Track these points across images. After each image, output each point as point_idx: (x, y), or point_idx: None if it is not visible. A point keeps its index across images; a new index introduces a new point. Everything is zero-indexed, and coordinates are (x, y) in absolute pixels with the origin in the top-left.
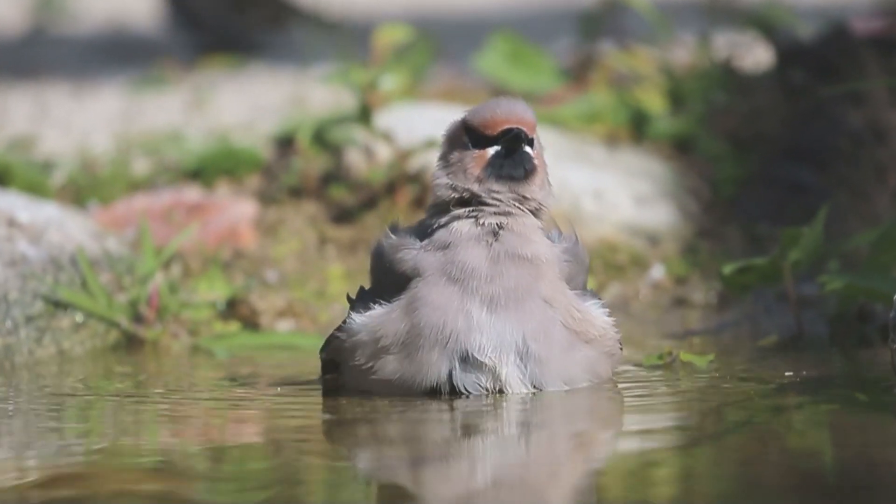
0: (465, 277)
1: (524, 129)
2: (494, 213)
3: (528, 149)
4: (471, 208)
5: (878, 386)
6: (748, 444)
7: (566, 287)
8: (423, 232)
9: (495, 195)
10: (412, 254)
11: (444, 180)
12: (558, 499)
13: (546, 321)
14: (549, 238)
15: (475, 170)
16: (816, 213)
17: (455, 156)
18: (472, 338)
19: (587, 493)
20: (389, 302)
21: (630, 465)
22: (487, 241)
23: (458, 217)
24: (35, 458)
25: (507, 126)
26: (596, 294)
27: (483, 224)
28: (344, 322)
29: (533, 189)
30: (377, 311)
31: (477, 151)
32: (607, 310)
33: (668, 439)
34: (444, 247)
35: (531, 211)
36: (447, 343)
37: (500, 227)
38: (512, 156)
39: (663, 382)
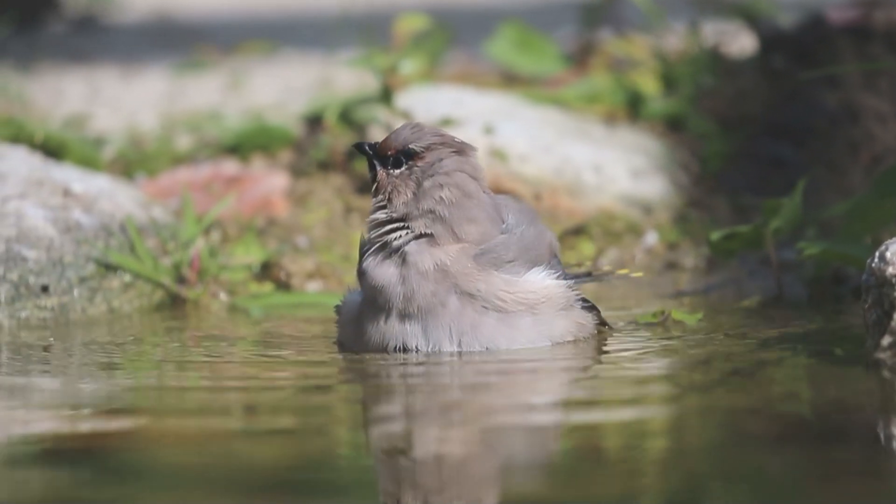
0: (387, 299)
1: (372, 143)
2: (401, 238)
3: (375, 162)
4: (384, 233)
5: (851, 341)
6: (734, 394)
7: (492, 274)
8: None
9: (373, 216)
10: (360, 269)
11: None
12: (554, 438)
13: (472, 313)
14: (503, 218)
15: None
16: (795, 185)
17: None
18: (408, 341)
19: (584, 431)
20: (360, 293)
21: (625, 410)
22: (397, 264)
23: (374, 243)
24: (88, 404)
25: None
26: (554, 263)
27: (392, 249)
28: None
29: (384, 199)
30: (349, 301)
31: None
32: (557, 274)
33: (661, 388)
34: (367, 268)
35: (430, 223)
36: (388, 346)
37: (404, 250)
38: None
39: (657, 338)
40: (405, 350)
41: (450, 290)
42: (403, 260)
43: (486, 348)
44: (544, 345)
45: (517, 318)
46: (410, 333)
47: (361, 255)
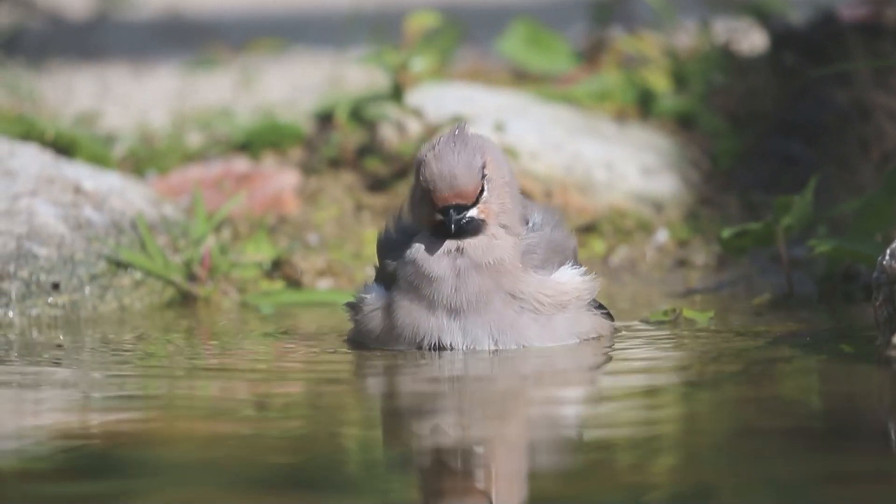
0: (434, 288)
1: (461, 202)
2: (462, 230)
3: (469, 214)
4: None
5: (861, 339)
6: (745, 391)
7: (531, 275)
8: (408, 234)
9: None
10: (395, 259)
11: (413, 214)
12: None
13: (512, 313)
14: (528, 221)
15: (432, 221)
16: (806, 183)
17: (418, 193)
18: (444, 336)
19: (593, 431)
20: (383, 288)
21: (635, 409)
22: (453, 255)
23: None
24: (98, 403)
25: (445, 205)
26: (574, 262)
27: (450, 240)
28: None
29: (486, 231)
30: (372, 295)
31: (432, 208)
32: (581, 269)
33: (672, 386)
34: (418, 258)
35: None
36: (422, 341)
37: (463, 243)
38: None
39: (668, 336)
40: (440, 347)
41: (497, 289)
42: (462, 252)
43: (522, 346)
44: (573, 342)
45: (550, 316)
46: (447, 329)
47: (387, 248)
